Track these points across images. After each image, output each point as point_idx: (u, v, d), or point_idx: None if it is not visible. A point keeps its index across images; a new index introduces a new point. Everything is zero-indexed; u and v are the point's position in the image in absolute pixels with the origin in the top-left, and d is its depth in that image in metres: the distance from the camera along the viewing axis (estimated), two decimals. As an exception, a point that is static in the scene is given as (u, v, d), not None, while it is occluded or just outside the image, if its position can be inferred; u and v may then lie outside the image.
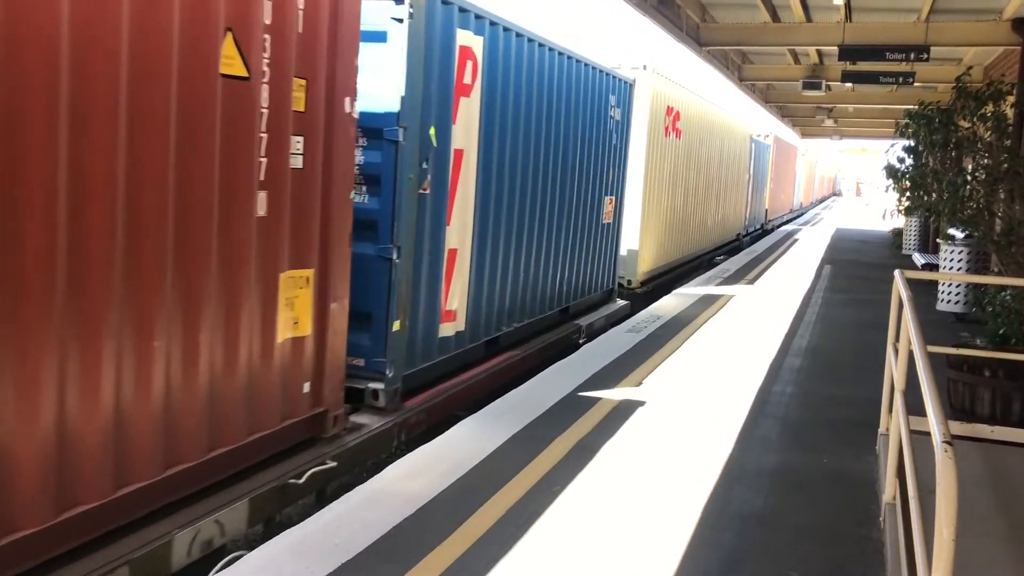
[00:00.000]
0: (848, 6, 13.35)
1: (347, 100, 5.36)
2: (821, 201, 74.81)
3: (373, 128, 6.08)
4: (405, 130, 6.09)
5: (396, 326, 6.21)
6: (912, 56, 13.37)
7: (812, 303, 12.80)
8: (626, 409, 6.69)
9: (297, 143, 4.96)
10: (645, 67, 13.34)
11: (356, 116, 5.46)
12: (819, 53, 17.78)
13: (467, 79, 7.04)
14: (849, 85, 18.50)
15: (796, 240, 25.99)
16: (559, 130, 9.15)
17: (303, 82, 4.98)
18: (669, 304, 12.13)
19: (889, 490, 4.52)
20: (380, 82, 6.04)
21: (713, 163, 20.04)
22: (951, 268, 12.17)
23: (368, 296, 6.14)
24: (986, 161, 8.55)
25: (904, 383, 4.30)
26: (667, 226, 15.76)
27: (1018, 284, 6.97)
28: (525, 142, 8.33)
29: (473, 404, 7.16)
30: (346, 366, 5.77)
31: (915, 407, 3.64)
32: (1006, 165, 8.14)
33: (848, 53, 14.00)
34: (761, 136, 30.33)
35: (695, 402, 7.05)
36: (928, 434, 2.70)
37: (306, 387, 5.28)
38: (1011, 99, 9.54)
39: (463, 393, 7.36)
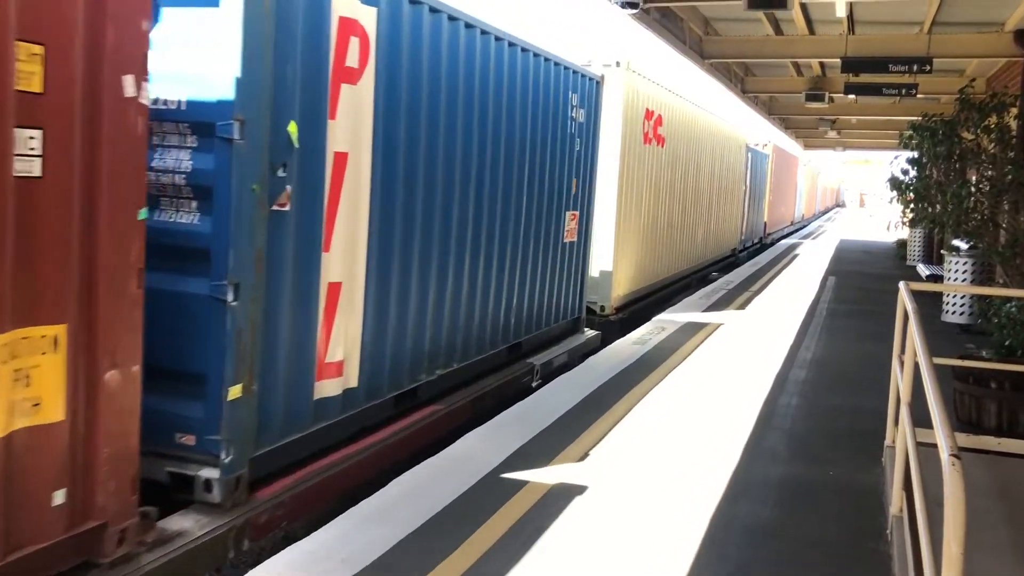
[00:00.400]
0: (850, 18, 13.40)
1: (128, 79, 3.74)
2: (824, 213, 73.44)
3: (204, 123, 4.50)
4: (242, 124, 4.46)
5: (235, 392, 4.54)
6: (915, 68, 13.40)
7: (816, 316, 12.79)
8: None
9: (29, 140, 3.35)
10: (618, 63, 11.65)
11: (147, 102, 3.85)
12: (822, 65, 17.82)
13: (352, 61, 5.41)
14: (852, 97, 18.52)
15: (796, 255, 24.49)
16: (501, 133, 7.57)
17: (37, 49, 3.36)
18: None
19: (896, 502, 4.51)
20: (213, 60, 4.47)
21: (704, 173, 18.41)
22: (956, 279, 12.17)
23: (197, 351, 4.53)
24: (990, 173, 8.56)
25: (910, 395, 4.30)
26: (648, 243, 13.97)
27: (1023, 295, 6.97)
28: (450, 146, 6.69)
29: (373, 483, 5.43)
30: (175, 445, 4.53)
31: (921, 419, 3.64)
32: (1010, 177, 8.15)
33: (851, 65, 14.03)
34: (759, 145, 28.88)
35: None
36: (934, 446, 2.70)
37: (58, 497, 3.56)
38: (1014, 111, 9.56)
39: (352, 471, 5.50)
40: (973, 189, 8.18)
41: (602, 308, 11.79)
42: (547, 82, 8.52)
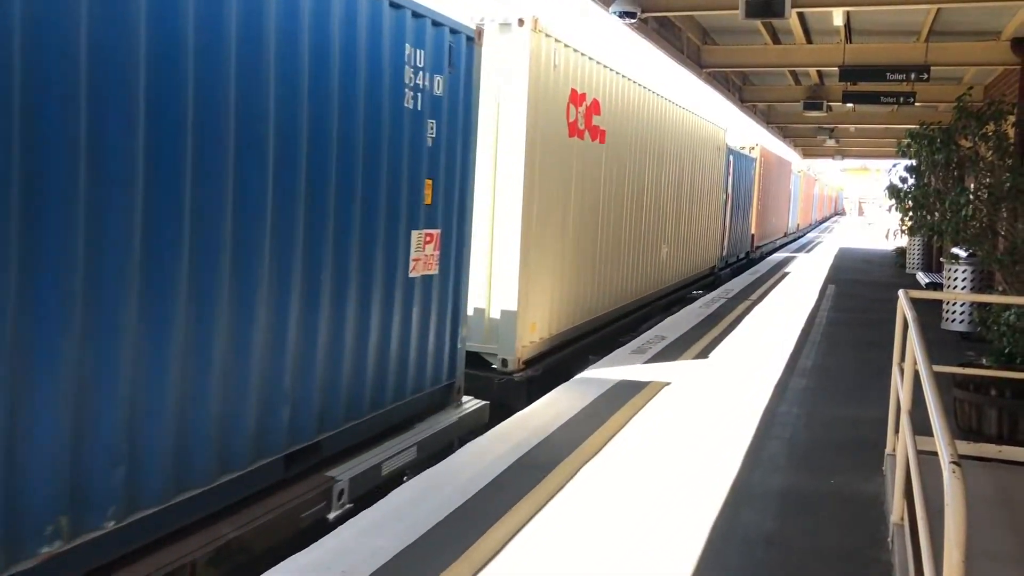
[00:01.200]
0: (848, 28, 13.44)
1: None
2: (822, 222, 69.96)
3: None
4: None
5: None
6: (912, 76, 13.43)
7: (816, 325, 12.79)
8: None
9: None
10: (521, 22, 8.30)
11: None
12: (819, 74, 17.87)
13: None
14: (850, 105, 18.57)
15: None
16: (252, 101, 4.62)
17: None
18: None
19: (897, 511, 4.50)
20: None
21: (668, 179, 15.17)
22: (955, 287, 12.16)
23: None
24: (988, 180, 8.57)
25: (910, 403, 4.30)
26: (581, 269, 10.53)
27: (1023, 303, 6.96)
28: (124, 116, 3.92)
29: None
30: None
31: (921, 427, 3.63)
32: (1008, 184, 8.16)
33: (848, 74, 14.07)
34: (746, 148, 26.18)
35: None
36: (935, 454, 2.70)
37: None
38: (1012, 118, 9.58)
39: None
40: (972, 197, 8.19)
41: (504, 363, 8.58)
42: (366, 30, 5.59)
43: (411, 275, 6.33)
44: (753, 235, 27.86)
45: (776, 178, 33.04)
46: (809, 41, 14.60)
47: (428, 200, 6.46)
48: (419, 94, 6.20)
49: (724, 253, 22.53)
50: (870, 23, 13.38)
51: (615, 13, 10.57)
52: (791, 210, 41.58)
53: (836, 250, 31.56)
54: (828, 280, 19.66)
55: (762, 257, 28.84)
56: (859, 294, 17.01)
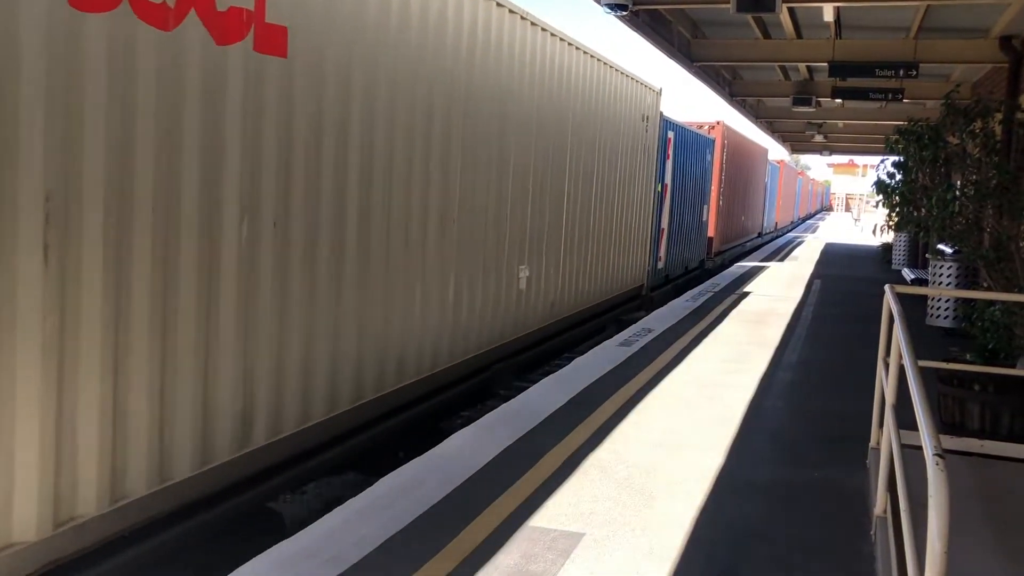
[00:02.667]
0: (838, 23, 13.47)
1: None
2: (806, 219, 64.71)
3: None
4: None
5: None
6: (901, 73, 13.49)
7: (802, 320, 12.84)
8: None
9: None
10: None
11: None
12: (809, 69, 17.91)
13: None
14: (839, 101, 18.63)
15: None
16: None
17: None
18: None
19: (880, 503, 4.54)
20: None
21: (536, 159, 9.88)
22: (940, 283, 12.24)
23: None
24: (975, 177, 8.62)
25: (895, 397, 4.33)
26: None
27: (1007, 299, 7.02)
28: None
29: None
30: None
31: (906, 421, 3.67)
32: (995, 181, 8.21)
33: (838, 70, 14.11)
34: (702, 127, 21.55)
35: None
36: (919, 448, 2.73)
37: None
38: (999, 116, 9.64)
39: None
40: (958, 193, 8.24)
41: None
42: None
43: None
44: (711, 238, 22.34)
45: (745, 166, 27.53)
46: (799, 36, 14.63)
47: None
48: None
49: (660, 267, 16.88)
50: (860, 19, 13.42)
51: (605, 6, 10.57)
52: (766, 206, 36.08)
53: (820, 249, 31.51)
54: (813, 276, 19.75)
55: (723, 265, 23.04)
56: (845, 290, 17.10)
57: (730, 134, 24.71)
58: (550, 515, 4.82)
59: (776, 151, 39.43)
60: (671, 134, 17.19)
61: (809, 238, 37.71)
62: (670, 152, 17.21)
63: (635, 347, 9.81)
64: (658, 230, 16.77)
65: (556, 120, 10.49)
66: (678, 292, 17.56)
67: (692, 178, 19.87)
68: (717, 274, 19.33)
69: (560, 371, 8.53)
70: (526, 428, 6.43)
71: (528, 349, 10.13)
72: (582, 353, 9.71)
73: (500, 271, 9.09)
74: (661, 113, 16.05)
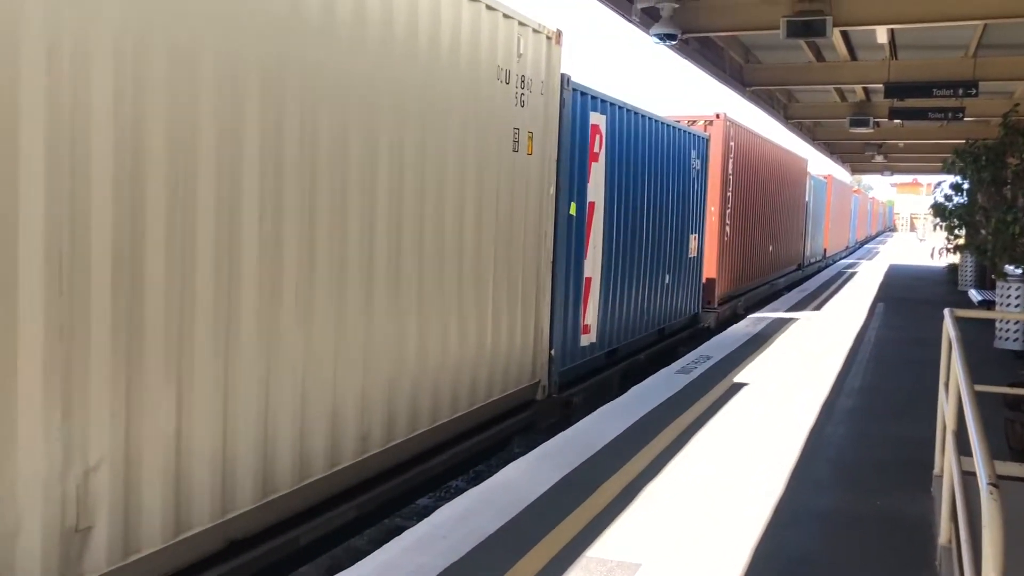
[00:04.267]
0: (893, 44, 13.34)
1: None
2: (866, 242, 57.64)
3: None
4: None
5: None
6: (960, 92, 13.28)
7: (864, 343, 12.61)
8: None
9: None
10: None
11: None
12: (866, 90, 17.72)
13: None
14: (898, 121, 18.37)
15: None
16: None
17: None
18: None
19: (944, 533, 4.46)
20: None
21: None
22: (1008, 305, 11.94)
23: None
24: (1038, 197, 8.45)
25: (955, 423, 4.27)
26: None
27: (1075, 321, 6.84)
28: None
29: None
30: None
31: (968, 447, 3.61)
32: (1058, 201, 8.04)
33: (894, 90, 13.96)
34: (700, 123, 15.10)
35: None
36: (977, 475, 2.70)
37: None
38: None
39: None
40: (1020, 214, 8.08)
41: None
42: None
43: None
44: (711, 280, 15.56)
45: (770, 179, 20.50)
46: (853, 58, 14.51)
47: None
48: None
49: (588, 342, 9.91)
50: (916, 39, 13.27)
51: (655, 36, 10.64)
52: (809, 230, 28.31)
53: (883, 271, 30.74)
54: (876, 299, 19.34)
55: (733, 319, 16.12)
56: (908, 312, 16.73)
57: (740, 134, 16.84)
58: (607, 545, 4.83)
59: (837, 172, 37.21)
60: (598, 118, 9.77)
61: (865, 267, 30.79)
62: (598, 148, 9.80)
63: (694, 374, 9.78)
64: (574, 280, 9.38)
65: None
66: (633, 379, 10.22)
67: (660, 192, 12.11)
68: (713, 337, 12.95)
69: (617, 400, 8.53)
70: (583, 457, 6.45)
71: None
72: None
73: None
74: (568, 78, 8.70)
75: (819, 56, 14.64)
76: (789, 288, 23.27)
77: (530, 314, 8.08)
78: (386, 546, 4.75)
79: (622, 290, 10.96)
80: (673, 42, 10.92)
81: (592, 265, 9.78)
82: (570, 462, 6.33)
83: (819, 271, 29.77)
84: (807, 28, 9.69)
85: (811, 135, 25.87)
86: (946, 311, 5.23)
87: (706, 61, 13.88)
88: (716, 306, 15.78)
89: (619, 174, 10.55)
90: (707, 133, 14.88)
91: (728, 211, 16.52)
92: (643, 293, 11.81)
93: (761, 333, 13.13)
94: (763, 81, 15.95)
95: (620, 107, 10.46)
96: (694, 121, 15.03)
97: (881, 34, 12.19)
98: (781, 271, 23.59)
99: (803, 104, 21.12)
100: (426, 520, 5.15)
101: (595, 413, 7.97)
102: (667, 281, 12.78)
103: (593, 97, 9.57)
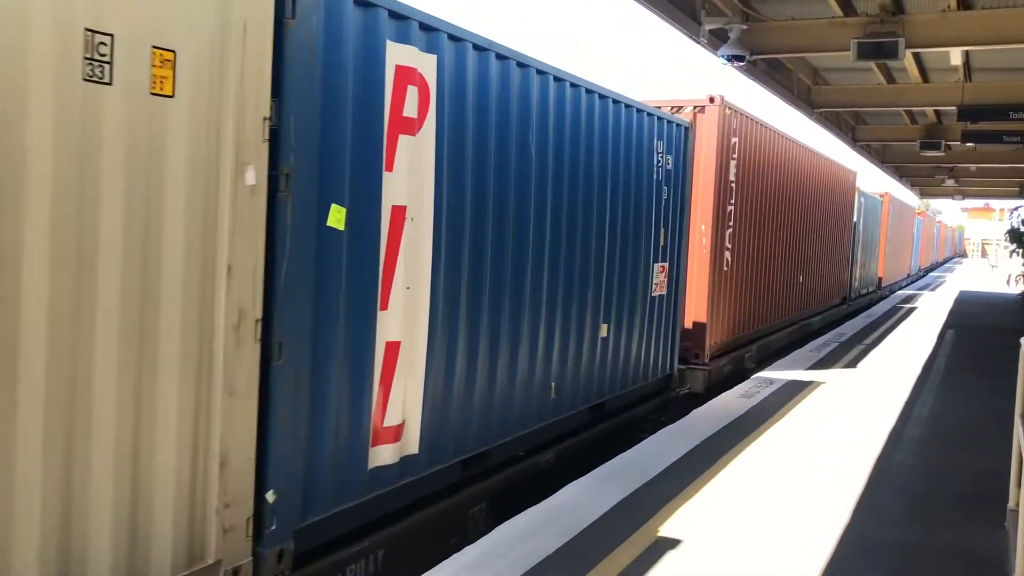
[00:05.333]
0: (967, 66, 13.06)
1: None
2: (932, 269, 53.24)
3: None
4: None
5: None
6: (1037, 115, 12.95)
7: (934, 371, 12.29)
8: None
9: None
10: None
11: None
12: (937, 113, 17.37)
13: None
14: (970, 144, 17.94)
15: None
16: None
17: None
18: None
19: (1020, 568, 4.31)
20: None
21: None
22: (1086, 335, 11.50)
23: None
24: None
25: (1032, 457, 4.11)
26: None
27: None
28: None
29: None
30: None
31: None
32: None
33: (968, 113, 13.65)
34: (687, 110, 10.89)
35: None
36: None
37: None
38: None
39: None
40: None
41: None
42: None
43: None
44: (699, 329, 11.17)
45: (794, 189, 15.46)
46: (925, 80, 14.24)
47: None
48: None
49: (434, 446, 5.68)
50: (991, 61, 12.98)
51: (722, 57, 10.59)
52: (860, 256, 23.53)
53: (946, 312, 29.72)
54: (946, 326, 18.81)
55: (693, 402, 10.35)
56: (980, 341, 16.26)
57: (749, 129, 12.34)
58: (667, 568, 4.78)
59: (899, 191, 35.04)
60: (414, 58, 5.28)
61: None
62: (415, 111, 5.28)
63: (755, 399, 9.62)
64: (349, 348, 4.98)
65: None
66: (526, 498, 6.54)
67: (585, 198, 7.66)
68: (669, 426, 8.57)
69: (676, 424, 8.45)
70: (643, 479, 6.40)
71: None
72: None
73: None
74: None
75: (889, 78, 14.40)
76: (827, 327, 18.72)
77: (185, 430, 3.84)
78: (445, 563, 4.77)
79: (494, 353, 6.31)
80: (741, 63, 10.85)
81: (406, 318, 5.27)
82: (628, 486, 6.27)
83: (871, 304, 24.89)
84: (878, 50, 9.56)
85: (880, 158, 25.40)
86: (1023, 340, 5.09)
87: (774, 82, 13.77)
88: (706, 362, 11.11)
89: (480, 161, 6.01)
90: (692, 122, 10.28)
91: (729, 231, 11.87)
92: (549, 354, 7.12)
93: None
94: (831, 103, 15.74)
95: (480, 49, 5.96)
96: (679, 108, 10.79)
97: (955, 56, 11.95)
98: (817, 307, 18.76)
99: (872, 126, 20.77)
100: (486, 537, 5.16)
101: (654, 436, 7.87)
102: (604, 334, 8.12)
103: (398, 17, 5.10)
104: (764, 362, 13.29)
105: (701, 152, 10.78)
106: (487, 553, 4.91)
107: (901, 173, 30.52)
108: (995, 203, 66.33)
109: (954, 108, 13.97)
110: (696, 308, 11.01)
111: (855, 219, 22.09)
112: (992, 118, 13.74)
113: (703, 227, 11.04)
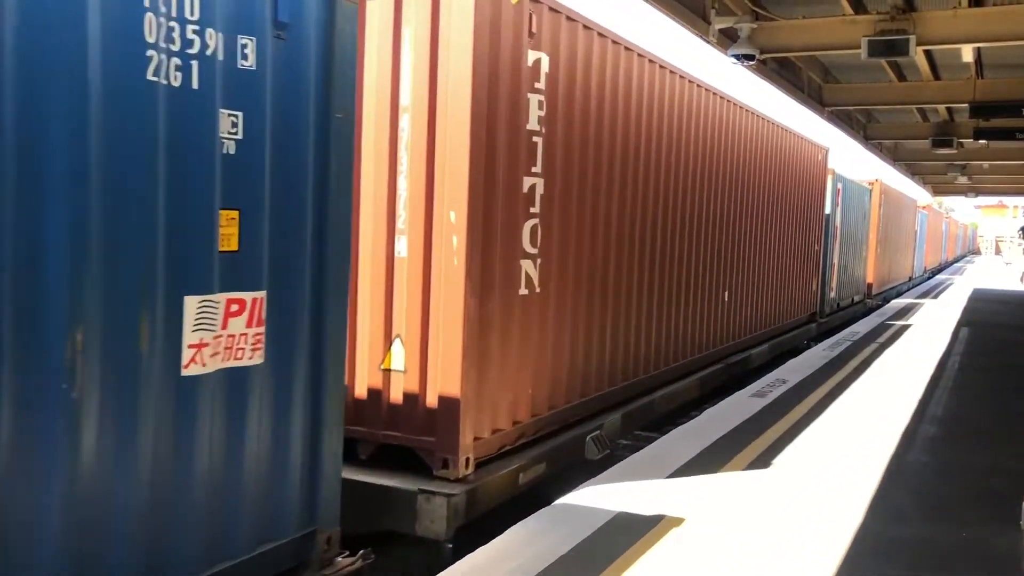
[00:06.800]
0: (978, 63, 13.00)
1: None
2: (941, 269, 48.12)
3: None
4: None
5: None
6: (1051, 111, 12.88)
7: (948, 368, 12.23)
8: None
9: None
10: None
11: None
12: (949, 110, 17.29)
13: None
14: (983, 141, 17.86)
15: None
16: None
17: None
18: None
19: (1034, 569, 4.29)
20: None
21: None
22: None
23: None
24: None
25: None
26: None
27: None
28: None
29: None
30: None
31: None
32: None
33: (980, 110, 13.59)
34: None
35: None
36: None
37: None
38: None
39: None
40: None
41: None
42: None
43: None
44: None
45: (728, 162, 10.47)
46: (937, 77, 14.18)
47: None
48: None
49: None
50: (1003, 58, 12.91)
51: (732, 56, 10.58)
52: (835, 259, 17.96)
53: (970, 291, 29.51)
54: (960, 324, 18.69)
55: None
56: (996, 337, 16.16)
57: (570, 37, 6.57)
58: (680, 568, 4.78)
59: (904, 184, 32.96)
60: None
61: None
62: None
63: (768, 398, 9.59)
64: None
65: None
66: None
67: None
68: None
69: (691, 422, 8.44)
70: (657, 477, 6.39)
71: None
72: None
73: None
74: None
75: (900, 75, 14.35)
76: (781, 358, 13.34)
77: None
78: (456, 564, 4.78)
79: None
80: (751, 62, 10.84)
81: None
82: (641, 484, 6.27)
83: (853, 319, 19.56)
84: (889, 48, 9.52)
85: (892, 156, 25.31)
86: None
87: (784, 81, 13.74)
88: (461, 474, 5.61)
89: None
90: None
91: (531, 223, 6.30)
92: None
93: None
94: (842, 101, 15.69)
95: None
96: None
97: (967, 53, 11.89)
98: (761, 333, 12.81)
99: (883, 124, 20.69)
100: (496, 540, 5.16)
101: (669, 434, 7.85)
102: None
103: None
104: (644, 436, 8.16)
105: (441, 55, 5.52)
106: (497, 554, 4.91)
107: (913, 171, 30.40)
108: (1009, 200, 66.05)
109: (966, 105, 13.91)
110: (442, 374, 5.64)
111: (828, 211, 16.68)
112: (1005, 115, 13.67)
113: (451, 215, 5.59)
